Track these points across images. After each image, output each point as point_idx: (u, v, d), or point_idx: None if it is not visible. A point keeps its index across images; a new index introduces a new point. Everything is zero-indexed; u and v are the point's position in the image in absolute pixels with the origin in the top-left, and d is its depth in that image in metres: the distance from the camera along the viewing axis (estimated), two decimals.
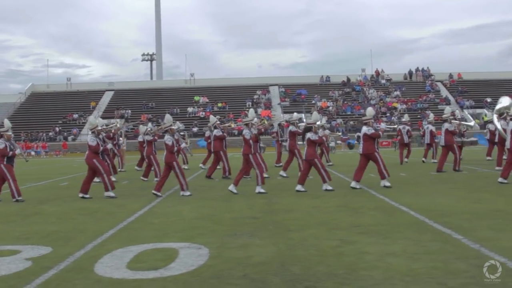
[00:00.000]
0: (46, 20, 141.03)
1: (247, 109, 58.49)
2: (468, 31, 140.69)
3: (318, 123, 13.98)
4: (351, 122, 54.55)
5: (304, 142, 13.08)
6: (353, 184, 13.20)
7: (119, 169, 20.80)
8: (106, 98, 65.09)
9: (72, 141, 55.20)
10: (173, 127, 13.09)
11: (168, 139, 12.70)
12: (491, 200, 10.48)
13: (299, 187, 12.89)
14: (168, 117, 13.51)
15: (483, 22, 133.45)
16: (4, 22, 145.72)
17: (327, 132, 22.51)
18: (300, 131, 17.27)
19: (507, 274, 5.20)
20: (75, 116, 60.40)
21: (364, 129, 13.32)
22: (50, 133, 56.19)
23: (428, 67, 67.95)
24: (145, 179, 17.34)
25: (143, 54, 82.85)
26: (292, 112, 56.25)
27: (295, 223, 8.52)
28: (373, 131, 13.18)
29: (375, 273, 5.43)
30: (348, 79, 65.74)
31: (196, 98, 62.98)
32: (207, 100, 62.71)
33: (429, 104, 59.50)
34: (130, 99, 64.24)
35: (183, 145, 13.54)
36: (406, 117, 26.34)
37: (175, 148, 12.77)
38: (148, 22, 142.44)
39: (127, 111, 60.13)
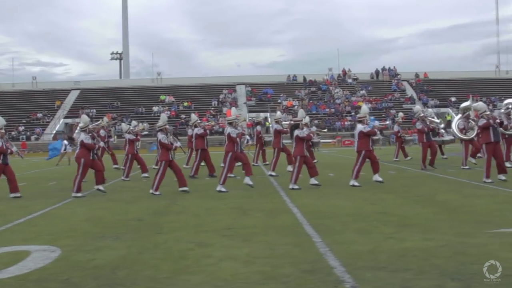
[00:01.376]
0: (23, 18, 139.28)
1: (212, 108, 58.76)
2: (445, 31, 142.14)
3: (305, 120, 14.12)
4: (316, 121, 54.56)
5: (293, 140, 13.35)
6: (352, 182, 13.30)
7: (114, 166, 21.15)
8: (72, 97, 64.51)
9: (35, 141, 54.62)
10: (167, 127, 13.23)
11: (163, 137, 12.85)
12: (388, 202, 10.55)
13: (292, 186, 13.02)
14: (163, 117, 13.65)
15: (459, 23, 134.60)
16: None
17: (313, 129, 22.69)
18: (286, 129, 17.74)
19: (337, 280, 5.23)
20: (39, 115, 59.79)
21: (360, 126, 13.49)
22: (13, 133, 55.54)
23: (394, 67, 68.36)
24: (127, 179, 17.27)
25: (112, 53, 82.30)
26: (257, 111, 56.37)
27: (170, 225, 8.52)
28: (369, 128, 13.32)
29: (194, 278, 5.42)
30: (304, 79, 65.81)
31: (162, 97, 62.69)
32: (173, 99, 62.46)
33: (394, 103, 59.87)
34: (95, 98, 63.74)
35: (178, 143, 13.77)
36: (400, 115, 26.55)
37: (173, 147, 13.00)
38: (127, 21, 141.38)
39: (91, 110, 59.62)
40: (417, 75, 66.77)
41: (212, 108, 59.02)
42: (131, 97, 63.46)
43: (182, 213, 9.96)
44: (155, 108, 59.87)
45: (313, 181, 13.36)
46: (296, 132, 13.18)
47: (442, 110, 58.03)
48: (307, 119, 17.24)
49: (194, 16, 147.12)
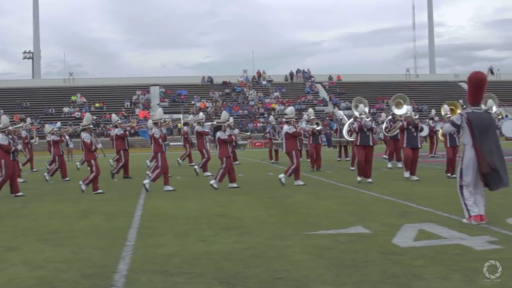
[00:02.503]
0: None
1: (124, 109, 57.85)
2: (367, 35, 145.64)
3: (228, 122, 14.34)
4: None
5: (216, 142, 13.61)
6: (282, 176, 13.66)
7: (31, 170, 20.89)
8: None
9: None
10: (91, 126, 13.38)
11: (86, 137, 12.94)
12: (237, 204, 10.67)
13: (231, 185, 13.38)
14: (87, 116, 13.76)
15: (381, 27, 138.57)
16: None
17: (236, 131, 22.73)
18: (207, 130, 17.64)
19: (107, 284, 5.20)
20: None
21: (286, 127, 13.69)
22: None
23: (308, 69, 69.45)
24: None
25: (24, 52, 79.50)
26: (170, 113, 55.69)
27: None
28: (294, 129, 13.55)
29: None
30: (211, 79, 65.95)
31: (73, 97, 61.23)
32: (85, 100, 61.12)
33: (307, 105, 60.50)
34: (4, 98, 61.48)
35: (99, 145, 13.77)
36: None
37: (93, 147, 12.95)
38: (49, 19, 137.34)
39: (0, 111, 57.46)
40: (330, 78, 68.08)
41: (124, 109, 58.05)
42: (42, 98, 61.66)
43: (22, 216, 9.74)
44: (65, 109, 58.45)
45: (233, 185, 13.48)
46: (218, 134, 13.38)
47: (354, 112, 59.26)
48: (231, 120, 17.51)
49: (117, 15, 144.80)
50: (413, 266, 5.48)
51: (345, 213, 9.07)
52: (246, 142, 37.32)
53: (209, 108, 58.85)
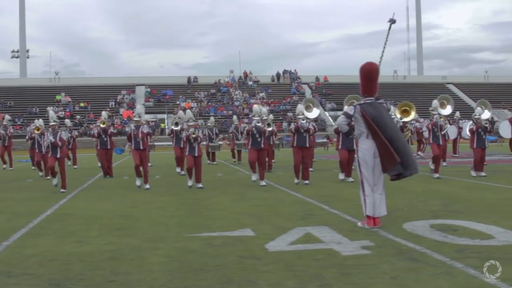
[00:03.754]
0: None
1: (109, 109, 57.58)
2: (365, 36, 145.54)
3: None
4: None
5: None
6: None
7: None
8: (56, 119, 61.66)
9: None
10: (53, 124, 13.22)
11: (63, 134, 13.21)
12: (153, 205, 10.45)
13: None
14: (51, 114, 13.85)
15: (379, 29, 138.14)
16: None
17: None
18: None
19: None
20: None
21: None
22: None
23: (295, 70, 69.31)
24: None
25: (13, 51, 79.20)
26: (155, 113, 55.46)
27: None
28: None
29: None
30: (192, 79, 65.83)
31: (58, 97, 61.00)
32: (70, 100, 60.88)
33: (292, 106, 60.43)
34: None
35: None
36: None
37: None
38: (45, 18, 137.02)
39: None
40: (317, 79, 67.92)
41: (109, 109, 57.71)
42: (27, 97, 61.45)
43: None
44: (49, 109, 58.06)
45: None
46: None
47: (339, 113, 59.07)
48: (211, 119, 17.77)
49: (115, 15, 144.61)
50: (259, 271, 5.27)
51: (248, 215, 8.83)
52: (221, 142, 37.03)
53: (194, 108, 58.56)
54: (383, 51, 8.27)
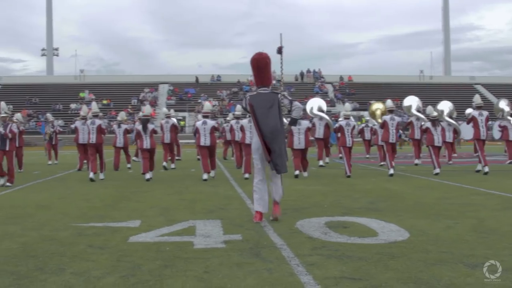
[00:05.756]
0: None
1: (130, 106, 58.11)
2: (404, 37, 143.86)
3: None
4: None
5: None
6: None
7: None
8: (8, 111, 62.96)
9: None
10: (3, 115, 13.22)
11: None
12: (89, 196, 10.38)
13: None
14: (2, 105, 13.68)
15: (418, 29, 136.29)
16: None
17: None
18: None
19: None
20: None
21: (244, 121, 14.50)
22: None
23: (319, 69, 68.79)
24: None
25: (42, 49, 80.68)
26: (177, 111, 55.84)
27: None
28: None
29: None
30: (216, 78, 65.82)
31: (82, 94, 61.79)
32: (93, 97, 61.53)
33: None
34: (16, 94, 62.42)
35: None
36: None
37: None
38: (88, 18, 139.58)
39: (9, 106, 58.26)
40: (341, 78, 67.26)
41: (130, 106, 58.27)
42: (52, 94, 62.42)
43: None
44: (72, 105, 58.97)
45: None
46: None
47: (362, 113, 58.44)
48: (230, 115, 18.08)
49: (156, 15, 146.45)
50: (85, 260, 5.10)
51: (160, 208, 8.70)
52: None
53: (215, 106, 58.61)
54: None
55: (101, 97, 61.51)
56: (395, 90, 62.64)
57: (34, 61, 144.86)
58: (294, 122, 7.43)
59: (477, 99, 15.38)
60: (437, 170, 13.98)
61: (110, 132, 20.30)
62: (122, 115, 18.32)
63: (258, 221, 7.07)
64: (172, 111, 20.26)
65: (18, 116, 19.16)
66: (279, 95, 7.36)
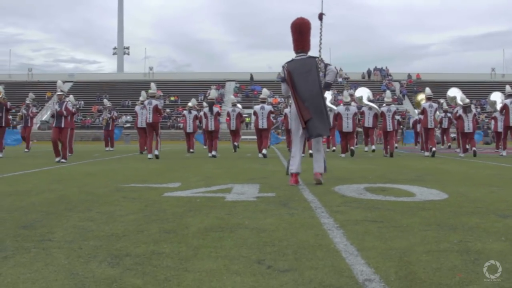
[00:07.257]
0: (59, 15, 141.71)
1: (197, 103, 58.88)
2: (478, 38, 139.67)
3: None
4: None
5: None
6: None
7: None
8: (64, 89, 65.29)
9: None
10: None
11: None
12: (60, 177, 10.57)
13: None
14: (59, 83, 14.21)
15: (492, 30, 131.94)
16: (17, 16, 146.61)
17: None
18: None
19: None
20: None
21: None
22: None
23: (386, 67, 67.80)
24: None
25: (114, 48, 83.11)
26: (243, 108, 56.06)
27: None
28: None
29: None
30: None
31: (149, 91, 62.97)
32: (161, 94, 62.74)
33: (380, 103, 59.16)
34: (87, 91, 64.48)
35: None
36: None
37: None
38: (160, 20, 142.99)
39: (80, 102, 60.29)
40: (409, 76, 66.02)
41: (197, 102, 58.97)
42: (121, 91, 64.06)
43: None
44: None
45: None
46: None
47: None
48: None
49: (226, 17, 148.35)
50: (114, 204, 5.19)
51: (204, 176, 8.76)
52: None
53: (280, 104, 58.65)
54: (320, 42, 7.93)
55: (169, 94, 62.68)
56: (464, 89, 60.73)
57: (108, 62, 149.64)
58: (328, 86, 7.31)
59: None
60: (461, 155, 14.64)
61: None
62: (193, 101, 18.91)
63: (293, 184, 7.03)
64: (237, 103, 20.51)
65: (71, 98, 19.64)
66: (317, 59, 7.30)
